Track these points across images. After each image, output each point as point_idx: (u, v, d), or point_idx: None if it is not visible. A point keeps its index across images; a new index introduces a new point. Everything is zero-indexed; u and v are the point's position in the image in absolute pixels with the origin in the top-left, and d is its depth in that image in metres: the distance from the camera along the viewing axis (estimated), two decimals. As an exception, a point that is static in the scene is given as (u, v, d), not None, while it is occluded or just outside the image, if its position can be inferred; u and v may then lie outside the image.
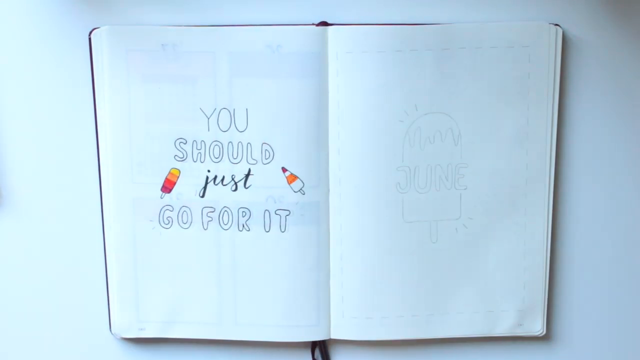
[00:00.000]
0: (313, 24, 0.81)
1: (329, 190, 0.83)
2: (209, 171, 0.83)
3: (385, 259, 0.84)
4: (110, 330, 0.86)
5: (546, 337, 0.88)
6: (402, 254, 0.84)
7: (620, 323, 0.88)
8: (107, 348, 0.88)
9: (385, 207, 0.83)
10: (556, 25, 0.81)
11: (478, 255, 0.85)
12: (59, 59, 0.82)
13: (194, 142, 0.83)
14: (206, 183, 0.83)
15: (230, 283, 0.85)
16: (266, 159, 0.82)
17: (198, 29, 0.80)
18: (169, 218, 0.84)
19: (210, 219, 0.84)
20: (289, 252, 0.84)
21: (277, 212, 0.83)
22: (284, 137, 0.81)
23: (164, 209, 0.84)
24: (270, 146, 0.82)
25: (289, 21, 0.81)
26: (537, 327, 0.87)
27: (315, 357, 0.87)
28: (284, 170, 0.82)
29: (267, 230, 0.83)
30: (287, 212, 0.83)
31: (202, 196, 0.83)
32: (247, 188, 0.83)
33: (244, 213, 0.83)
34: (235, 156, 0.83)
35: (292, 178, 0.82)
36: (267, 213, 0.83)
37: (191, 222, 0.84)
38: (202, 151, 0.83)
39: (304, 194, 0.83)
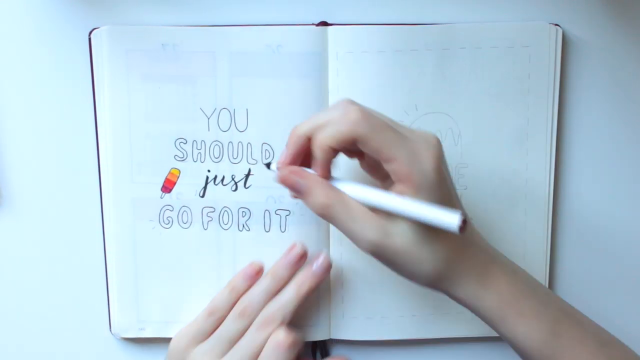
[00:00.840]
0: (313, 24, 0.81)
1: (329, 190, 0.83)
2: (209, 171, 0.83)
3: (385, 259, 0.84)
4: (110, 330, 0.86)
5: (546, 337, 0.88)
6: (402, 254, 0.84)
7: (620, 323, 0.88)
8: (107, 348, 0.88)
9: (385, 207, 0.83)
10: (556, 25, 0.81)
11: (478, 255, 0.85)
12: (59, 59, 0.82)
13: (194, 142, 0.83)
14: (206, 183, 0.83)
15: (230, 283, 0.85)
16: (266, 159, 0.82)
17: (198, 29, 0.80)
18: (169, 218, 0.84)
19: (210, 219, 0.84)
20: (289, 252, 0.84)
21: (277, 212, 0.83)
22: (284, 137, 0.81)
23: (164, 209, 0.84)
24: (270, 146, 0.82)
25: (289, 21, 0.81)
26: (537, 327, 0.87)
27: (316, 357, 0.87)
28: (284, 170, 0.82)
29: (267, 230, 0.83)
30: (288, 212, 0.83)
31: (202, 196, 0.83)
32: (247, 188, 0.83)
33: (244, 213, 0.83)
34: (235, 156, 0.83)
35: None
36: (267, 213, 0.83)
37: (191, 222, 0.84)
38: (202, 151, 0.83)
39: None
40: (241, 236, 0.84)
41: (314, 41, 0.80)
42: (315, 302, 0.84)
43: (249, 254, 0.84)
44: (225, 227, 0.84)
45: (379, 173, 0.73)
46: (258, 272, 0.81)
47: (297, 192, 0.70)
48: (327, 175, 0.70)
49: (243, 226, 0.84)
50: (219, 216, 0.83)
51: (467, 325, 0.85)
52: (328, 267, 0.80)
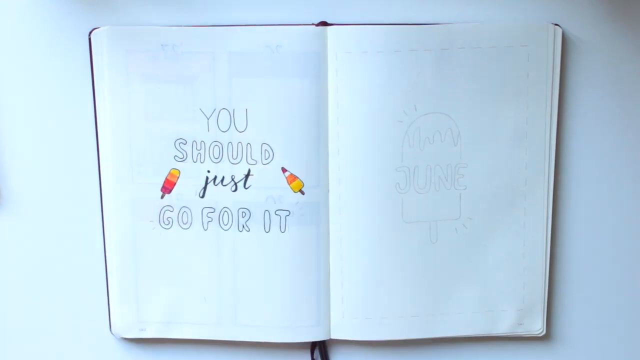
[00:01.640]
0: (313, 24, 0.81)
1: (328, 191, 0.83)
2: (208, 171, 0.83)
3: (384, 259, 0.84)
4: (111, 330, 0.86)
5: (546, 337, 0.88)
6: (402, 254, 0.84)
7: (620, 322, 0.88)
8: (107, 348, 0.88)
9: (385, 208, 0.83)
10: (556, 25, 0.81)
11: (478, 255, 0.84)
12: (59, 59, 0.82)
13: (194, 143, 0.83)
14: (206, 183, 0.83)
15: (230, 283, 0.85)
16: (266, 159, 0.82)
17: (198, 29, 0.80)
18: (169, 218, 0.84)
19: (210, 219, 0.84)
20: (289, 253, 0.84)
21: (277, 212, 0.83)
22: (284, 137, 0.81)
23: (164, 210, 0.84)
24: (269, 146, 0.82)
25: (289, 21, 0.81)
26: (537, 326, 0.86)
27: (315, 357, 0.87)
28: (284, 170, 0.82)
29: (267, 230, 0.83)
30: (287, 213, 0.83)
31: (202, 196, 0.83)
32: (247, 188, 0.83)
33: (243, 213, 0.83)
34: (235, 156, 0.83)
35: (292, 178, 0.82)
36: (267, 213, 0.83)
37: (191, 223, 0.84)
38: (202, 151, 0.83)
39: (303, 194, 0.83)
40: (241, 236, 0.84)
41: (313, 41, 0.80)
42: (315, 302, 0.84)
43: (248, 254, 0.84)
44: (225, 227, 0.84)
45: None
46: None
47: None
48: None
49: (243, 226, 0.84)
50: (219, 216, 0.84)
51: (467, 325, 0.85)
52: None
